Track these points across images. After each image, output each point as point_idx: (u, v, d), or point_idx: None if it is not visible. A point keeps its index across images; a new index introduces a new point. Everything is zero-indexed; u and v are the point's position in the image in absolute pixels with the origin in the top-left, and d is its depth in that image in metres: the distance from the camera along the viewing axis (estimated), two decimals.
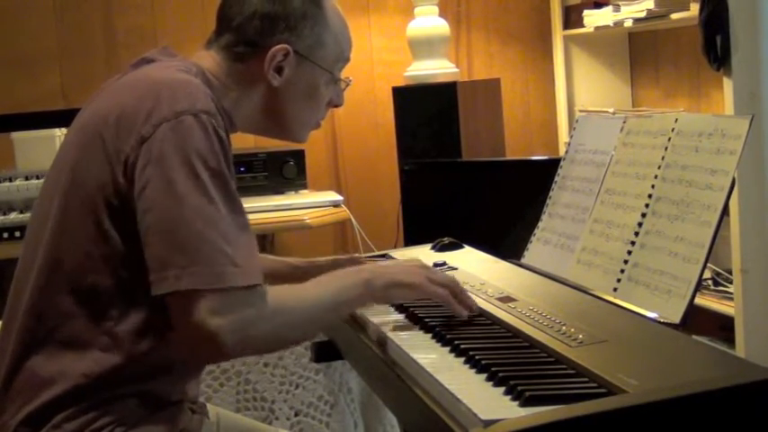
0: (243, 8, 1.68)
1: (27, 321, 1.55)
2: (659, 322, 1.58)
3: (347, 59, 1.79)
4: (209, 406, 1.77)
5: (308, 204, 3.51)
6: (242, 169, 3.66)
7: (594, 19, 3.73)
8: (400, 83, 3.94)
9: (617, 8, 3.55)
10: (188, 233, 1.42)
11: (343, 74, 1.80)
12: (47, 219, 1.57)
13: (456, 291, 1.65)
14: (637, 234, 1.75)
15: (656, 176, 1.77)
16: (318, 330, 1.86)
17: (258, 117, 1.73)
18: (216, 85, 1.64)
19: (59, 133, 3.65)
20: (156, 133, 1.47)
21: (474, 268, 1.97)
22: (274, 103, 1.71)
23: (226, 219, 1.46)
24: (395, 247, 3.57)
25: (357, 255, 2.01)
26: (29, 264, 1.58)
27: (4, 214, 3.37)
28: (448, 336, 1.54)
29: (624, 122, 1.93)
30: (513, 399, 1.25)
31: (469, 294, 1.69)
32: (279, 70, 1.68)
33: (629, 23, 3.48)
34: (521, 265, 2.01)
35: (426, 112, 3.79)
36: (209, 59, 1.69)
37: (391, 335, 1.58)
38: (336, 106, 1.82)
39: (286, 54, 1.67)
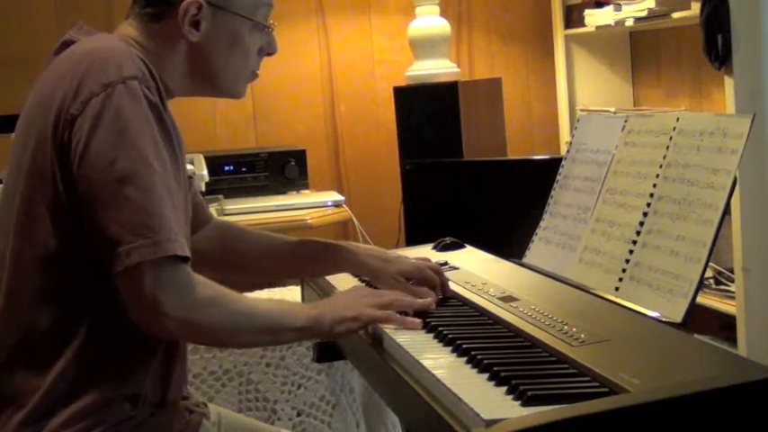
0: None
1: (5, 327, 1.54)
2: (661, 321, 1.58)
3: (269, 4, 1.71)
4: (210, 406, 1.77)
5: (310, 204, 3.51)
6: (243, 169, 3.67)
7: (596, 18, 3.73)
8: (401, 83, 3.94)
9: (618, 7, 3.55)
10: (130, 208, 1.42)
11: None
12: (8, 226, 1.56)
13: (404, 304, 1.65)
14: (638, 233, 1.75)
15: (657, 175, 1.77)
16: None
17: (186, 77, 1.67)
18: (140, 51, 1.59)
19: None
20: (86, 110, 1.46)
21: (476, 268, 1.97)
22: (199, 59, 1.65)
23: (163, 184, 1.45)
24: (396, 246, 3.57)
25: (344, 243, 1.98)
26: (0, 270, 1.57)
27: None
28: (450, 336, 1.54)
29: (625, 122, 1.93)
30: (515, 398, 1.24)
31: (418, 297, 1.70)
32: (196, 25, 1.62)
33: (630, 23, 3.48)
34: (522, 265, 2.01)
35: (428, 112, 3.79)
36: (129, 29, 1.65)
37: (393, 335, 1.58)
38: (269, 54, 1.75)
39: (199, 7, 1.61)
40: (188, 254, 1.45)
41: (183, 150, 1.60)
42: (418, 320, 1.61)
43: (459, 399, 1.25)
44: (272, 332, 1.57)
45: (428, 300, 1.69)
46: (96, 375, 1.52)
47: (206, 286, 1.48)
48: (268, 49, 1.73)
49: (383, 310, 1.62)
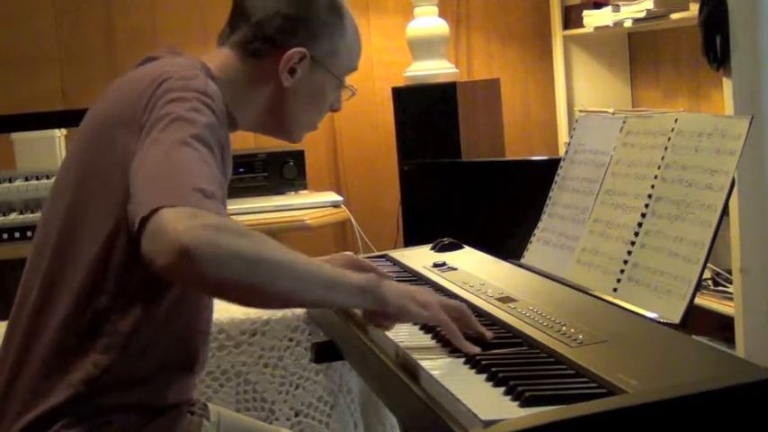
0: (265, 5, 1.68)
1: (31, 327, 1.54)
2: (659, 322, 1.58)
3: (355, 69, 1.82)
4: (210, 406, 1.77)
5: (308, 205, 3.51)
6: (241, 170, 3.66)
7: (594, 19, 3.73)
8: (400, 83, 3.94)
9: (616, 8, 3.55)
10: (157, 168, 1.36)
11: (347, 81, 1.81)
12: (53, 224, 1.56)
13: (466, 321, 1.52)
14: (637, 234, 1.75)
15: (655, 176, 1.77)
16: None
17: (262, 115, 1.72)
18: (223, 81, 1.63)
19: (59, 134, 3.65)
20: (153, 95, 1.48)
21: (474, 268, 1.97)
22: (280, 102, 1.71)
23: (204, 160, 1.40)
24: (395, 247, 3.57)
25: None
26: (35, 269, 1.57)
27: (4, 215, 3.37)
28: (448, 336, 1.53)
29: (624, 122, 1.93)
30: (513, 399, 1.25)
31: (479, 326, 1.53)
32: (291, 72, 1.68)
33: (628, 23, 3.48)
34: (520, 266, 2.01)
35: (426, 113, 3.79)
36: (221, 56, 1.69)
37: (392, 336, 1.58)
38: (335, 111, 1.83)
39: (302, 57, 1.67)
40: (222, 212, 1.36)
41: (228, 179, 1.58)
42: (477, 348, 1.46)
43: (457, 399, 1.24)
44: (327, 285, 1.42)
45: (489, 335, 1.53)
46: (116, 386, 1.52)
47: (233, 220, 1.38)
48: (335, 106, 1.81)
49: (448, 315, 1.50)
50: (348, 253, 1.98)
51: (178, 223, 1.28)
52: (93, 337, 1.51)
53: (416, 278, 1.99)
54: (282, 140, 1.83)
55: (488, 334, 1.51)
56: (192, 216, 1.29)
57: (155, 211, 1.30)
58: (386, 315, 1.51)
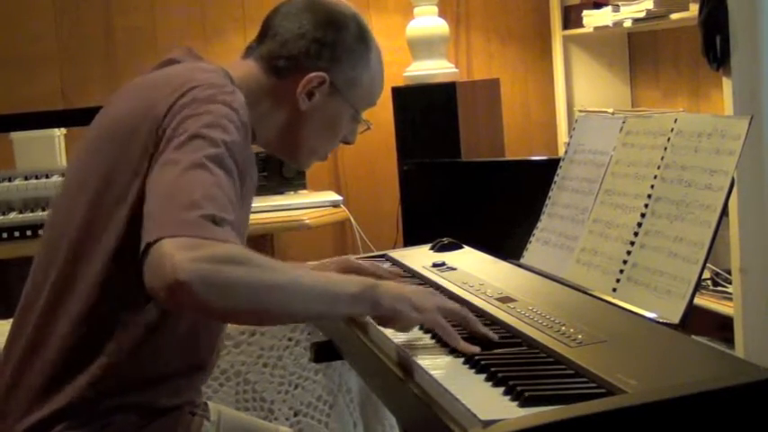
0: (294, 25, 1.68)
1: (39, 328, 1.53)
2: (658, 322, 1.58)
3: (374, 104, 1.81)
4: (210, 405, 1.77)
5: (308, 204, 3.51)
6: None
7: (594, 19, 3.73)
8: (400, 83, 3.94)
9: (616, 8, 3.56)
10: (168, 192, 1.35)
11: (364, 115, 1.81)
12: (66, 225, 1.54)
13: (468, 325, 1.52)
14: (636, 234, 1.75)
15: (655, 176, 1.77)
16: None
17: (274, 135, 1.72)
18: (243, 91, 1.60)
19: (59, 133, 3.65)
20: (182, 97, 1.47)
21: (473, 268, 1.97)
22: (294, 125, 1.71)
23: (219, 184, 1.37)
24: (394, 247, 3.57)
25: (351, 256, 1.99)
26: (44, 270, 1.56)
27: (4, 214, 3.37)
28: None
29: (624, 122, 1.93)
30: (513, 399, 1.24)
31: (482, 328, 1.53)
32: (309, 95, 1.68)
33: (628, 24, 3.48)
34: (520, 266, 2.01)
35: (426, 113, 3.79)
36: (245, 67, 1.69)
37: (391, 336, 1.58)
38: (347, 143, 1.83)
39: (322, 82, 1.68)
40: (231, 240, 1.32)
41: (250, 196, 1.58)
42: (476, 348, 1.46)
43: (457, 399, 1.24)
44: (329, 300, 1.41)
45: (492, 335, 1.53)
46: (122, 389, 1.51)
47: (236, 247, 1.33)
48: (348, 138, 1.82)
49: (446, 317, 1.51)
50: (346, 257, 1.98)
51: (176, 255, 1.27)
52: (102, 341, 1.50)
53: (416, 278, 1.99)
54: (291, 163, 1.84)
55: (493, 336, 1.51)
56: (193, 247, 1.28)
57: (157, 240, 1.29)
58: (384, 319, 1.51)
